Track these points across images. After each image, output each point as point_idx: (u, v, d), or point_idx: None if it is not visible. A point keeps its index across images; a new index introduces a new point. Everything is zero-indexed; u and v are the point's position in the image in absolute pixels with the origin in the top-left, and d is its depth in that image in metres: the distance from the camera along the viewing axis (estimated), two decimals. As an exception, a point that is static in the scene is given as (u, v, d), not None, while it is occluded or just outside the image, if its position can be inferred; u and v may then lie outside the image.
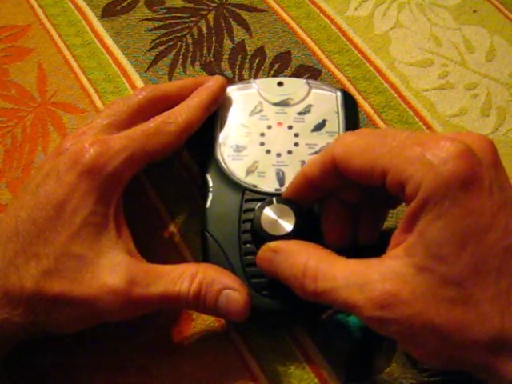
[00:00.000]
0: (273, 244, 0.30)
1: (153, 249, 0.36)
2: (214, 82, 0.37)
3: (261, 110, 0.38)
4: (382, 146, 0.27)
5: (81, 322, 0.30)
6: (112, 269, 0.29)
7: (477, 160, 0.25)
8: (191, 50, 0.45)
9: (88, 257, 0.29)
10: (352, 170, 0.28)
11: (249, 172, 0.35)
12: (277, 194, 0.34)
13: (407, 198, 0.26)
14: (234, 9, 0.47)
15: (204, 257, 0.34)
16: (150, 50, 0.45)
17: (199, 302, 0.30)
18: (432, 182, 0.24)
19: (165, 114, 0.35)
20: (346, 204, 0.31)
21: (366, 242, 0.33)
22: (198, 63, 0.45)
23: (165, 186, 0.39)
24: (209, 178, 0.35)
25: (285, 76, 0.44)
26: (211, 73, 0.44)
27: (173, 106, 0.35)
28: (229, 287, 0.30)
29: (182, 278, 0.30)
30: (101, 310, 0.29)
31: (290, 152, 0.36)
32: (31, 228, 0.30)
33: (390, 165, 0.26)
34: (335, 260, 0.28)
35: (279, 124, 0.37)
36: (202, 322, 0.34)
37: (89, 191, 0.30)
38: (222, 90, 0.38)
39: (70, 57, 0.45)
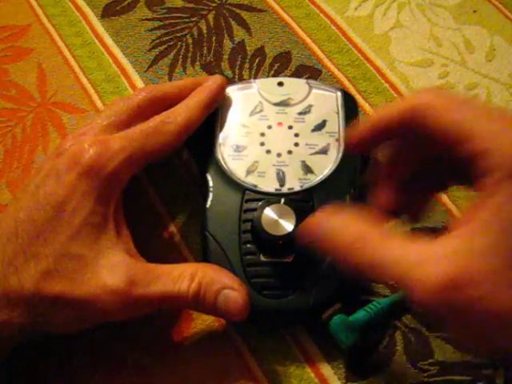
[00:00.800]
0: (328, 207, 0.28)
1: (153, 249, 0.36)
2: (214, 81, 0.37)
3: (261, 110, 0.38)
4: (470, 110, 0.25)
5: (80, 323, 0.30)
6: (111, 269, 0.29)
7: None
8: (191, 50, 0.45)
9: (87, 257, 0.29)
10: (430, 125, 0.26)
11: (249, 172, 0.35)
12: (277, 194, 0.34)
13: (483, 170, 0.24)
14: (234, 9, 0.47)
15: (204, 256, 0.34)
16: (150, 50, 0.45)
17: (198, 301, 0.30)
18: None
19: (164, 113, 0.34)
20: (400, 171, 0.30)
21: (408, 221, 0.31)
22: (198, 63, 0.45)
23: (165, 186, 0.39)
24: (209, 177, 0.35)
25: (285, 76, 0.44)
26: (211, 73, 0.44)
27: (172, 107, 0.35)
28: (228, 287, 0.30)
29: (181, 277, 0.30)
30: (100, 310, 0.29)
31: (290, 152, 0.36)
32: (30, 228, 0.30)
33: (474, 130, 0.24)
34: (391, 234, 0.25)
35: (279, 124, 0.37)
36: (202, 322, 0.34)
37: (88, 191, 0.30)
38: (222, 89, 0.37)
39: (69, 57, 0.45)
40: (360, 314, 0.33)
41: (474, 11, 0.47)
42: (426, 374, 0.33)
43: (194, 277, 0.30)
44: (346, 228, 0.26)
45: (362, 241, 0.25)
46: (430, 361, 0.33)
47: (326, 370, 0.33)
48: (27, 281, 0.29)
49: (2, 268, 0.29)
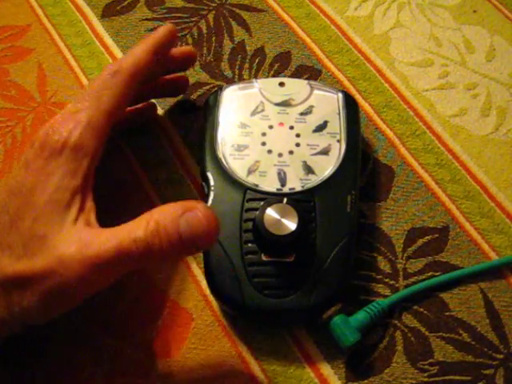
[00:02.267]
0: None
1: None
2: (161, 28, 0.36)
3: (262, 110, 0.38)
4: None
5: (51, 304, 0.29)
6: (67, 240, 0.28)
7: None
8: (191, 49, 0.45)
9: (49, 234, 0.29)
10: None
11: (250, 171, 0.35)
12: (278, 194, 0.34)
13: None
14: (234, 9, 0.48)
15: (205, 256, 0.34)
16: (150, 50, 0.45)
17: (161, 241, 0.27)
18: None
19: (109, 64, 0.34)
20: None
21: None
22: (197, 63, 0.45)
23: (165, 186, 0.39)
24: (210, 176, 0.35)
25: (285, 76, 0.44)
26: (211, 73, 0.44)
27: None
28: (187, 210, 0.27)
29: (136, 225, 0.28)
30: (62, 283, 0.28)
31: (291, 152, 0.36)
32: (6, 219, 0.29)
33: None
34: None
35: (281, 124, 0.37)
36: (202, 321, 0.34)
37: (54, 170, 0.30)
38: (171, 34, 0.36)
39: (69, 57, 0.45)
40: (360, 314, 0.33)
41: (474, 11, 0.47)
42: (426, 374, 0.33)
43: (149, 220, 0.27)
44: None
45: None
46: (430, 361, 0.33)
47: (326, 369, 0.33)
48: (2, 271, 0.28)
49: None
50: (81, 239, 0.28)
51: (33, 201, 0.29)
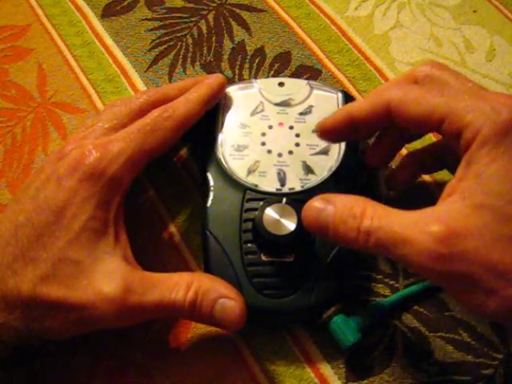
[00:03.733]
0: (321, 195, 0.29)
1: (153, 249, 0.36)
2: (214, 78, 0.37)
3: (262, 110, 0.38)
4: (440, 96, 0.28)
5: (75, 329, 0.30)
6: (108, 276, 0.29)
7: None
8: (191, 50, 0.45)
9: (85, 263, 0.29)
10: (408, 117, 0.29)
11: (250, 171, 0.35)
12: (278, 194, 0.34)
13: (463, 144, 0.27)
14: (234, 9, 0.48)
15: (205, 256, 0.34)
16: (149, 50, 0.45)
17: (195, 310, 0.30)
18: (490, 128, 0.25)
19: (162, 107, 0.34)
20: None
21: (375, 164, 0.35)
22: (198, 63, 0.45)
23: (165, 186, 0.39)
24: (210, 177, 0.35)
25: (285, 76, 0.44)
26: (211, 73, 0.44)
27: None
28: (225, 296, 0.30)
29: (177, 286, 0.30)
30: (96, 316, 0.29)
31: (291, 152, 0.36)
32: (30, 232, 0.29)
33: (449, 112, 0.27)
34: (392, 208, 0.27)
35: (280, 124, 0.37)
36: (203, 321, 0.34)
37: (88, 197, 0.30)
38: (222, 86, 0.38)
39: (69, 57, 0.45)
40: (360, 314, 0.33)
41: (474, 11, 0.47)
42: (426, 374, 0.33)
43: (190, 285, 0.30)
44: (352, 203, 0.28)
45: (371, 210, 0.27)
46: (430, 361, 0.33)
47: (326, 369, 0.33)
48: (24, 284, 0.28)
49: (0, 271, 0.29)
50: (124, 280, 0.29)
51: (65, 223, 0.30)
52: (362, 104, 0.31)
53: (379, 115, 0.30)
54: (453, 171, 0.28)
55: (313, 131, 0.34)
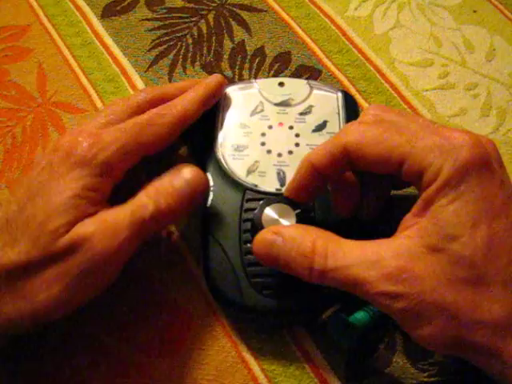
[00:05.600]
0: (273, 228, 0.30)
1: (153, 249, 0.36)
2: (213, 78, 0.38)
3: (262, 110, 0.38)
4: (399, 136, 0.28)
5: (70, 290, 0.29)
6: (84, 224, 0.30)
7: (487, 151, 0.26)
8: (191, 50, 0.45)
9: (62, 227, 0.29)
10: (367, 160, 0.28)
11: (249, 171, 0.35)
12: (277, 194, 0.34)
13: (424, 185, 0.27)
14: (234, 9, 0.48)
15: (204, 256, 0.34)
16: (149, 50, 0.45)
17: (164, 199, 0.31)
18: (451, 168, 0.26)
19: (160, 106, 0.35)
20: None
21: (366, 217, 0.33)
22: (198, 63, 0.45)
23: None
24: (209, 176, 0.35)
25: (285, 76, 0.44)
26: (211, 73, 0.44)
27: None
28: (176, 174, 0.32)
29: (137, 198, 0.31)
30: (88, 258, 0.29)
31: (290, 152, 0.36)
32: (19, 217, 0.30)
33: (409, 153, 0.27)
34: (343, 240, 0.28)
35: (280, 124, 0.37)
36: (202, 322, 0.34)
37: (77, 178, 0.30)
38: (220, 86, 0.38)
39: (69, 57, 0.45)
40: (360, 314, 0.33)
41: (474, 11, 0.47)
42: (426, 374, 0.33)
43: (147, 191, 0.31)
44: (302, 238, 0.28)
45: (322, 248, 0.27)
46: (430, 361, 0.33)
47: (326, 369, 0.33)
48: (3, 261, 0.29)
49: None
50: (97, 219, 0.30)
51: (50, 200, 0.30)
52: (321, 151, 0.30)
53: (338, 160, 0.29)
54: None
55: (283, 196, 0.33)
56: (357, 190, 0.32)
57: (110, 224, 0.30)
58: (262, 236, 0.29)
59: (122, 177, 0.33)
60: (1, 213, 0.31)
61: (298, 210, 0.32)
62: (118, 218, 0.30)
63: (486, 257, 0.25)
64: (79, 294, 0.30)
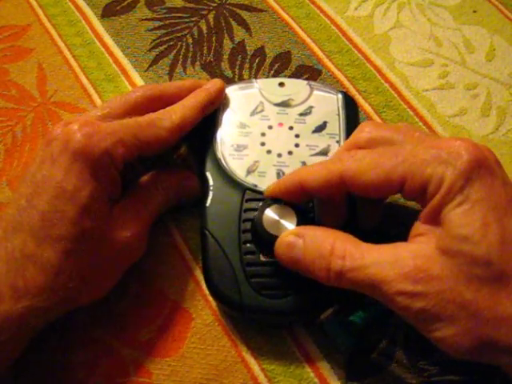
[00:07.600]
0: (295, 229, 0.30)
1: (153, 249, 0.36)
2: (213, 84, 0.38)
3: (262, 110, 0.38)
4: (395, 157, 0.28)
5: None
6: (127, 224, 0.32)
7: (485, 153, 0.27)
8: (191, 49, 0.45)
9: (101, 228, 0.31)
10: (365, 185, 0.28)
11: (249, 171, 0.35)
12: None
13: (429, 196, 0.27)
14: (234, 9, 0.48)
15: (203, 255, 0.34)
16: (150, 50, 0.45)
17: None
18: (453, 174, 0.26)
19: (160, 111, 0.35)
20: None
21: (366, 227, 0.34)
22: (198, 63, 0.45)
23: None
24: (209, 176, 0.35)
25: (285, 76, 0.44)
26: (211, 73, 0.44)
27: (169, 106, 0.35)
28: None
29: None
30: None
31: (290, 153, 0.36)
32: (33, 213, 0.30)
33: (408, 171, 0.27)
34: (360, 242, 0.28)
35: (280, 124, 0.37)
36: (202, 321, 0.35)
37: (83, 171, 0.30)
38: (220, 92, 0.38)
39: (70, 57, 0.46)
40: (360, 314, 0.33)
41: (474, 11, 0.47)
42: (426, 374, 0.33)
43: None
44: (322, 240, 0.28)
45: (340, 249, 0.28)
46: (430, 361, 0.33)
47: (326, 369, 0.33)
48: (46, 266, 0.29)
49: (14, 258, 0.29)
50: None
51: (68, 196, 0.30)
52: (316, 176, 0.30)
53: (332, 188, 0.30)
54: None
55: (262, 194, 0.33)
56: (343, 210, 0.32)
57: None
58: (284, 238, 0.30)
59: (122, 168, 0.33)
60: (10, 210, 0.31)
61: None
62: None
63: (501, 254, 0.25)
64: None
